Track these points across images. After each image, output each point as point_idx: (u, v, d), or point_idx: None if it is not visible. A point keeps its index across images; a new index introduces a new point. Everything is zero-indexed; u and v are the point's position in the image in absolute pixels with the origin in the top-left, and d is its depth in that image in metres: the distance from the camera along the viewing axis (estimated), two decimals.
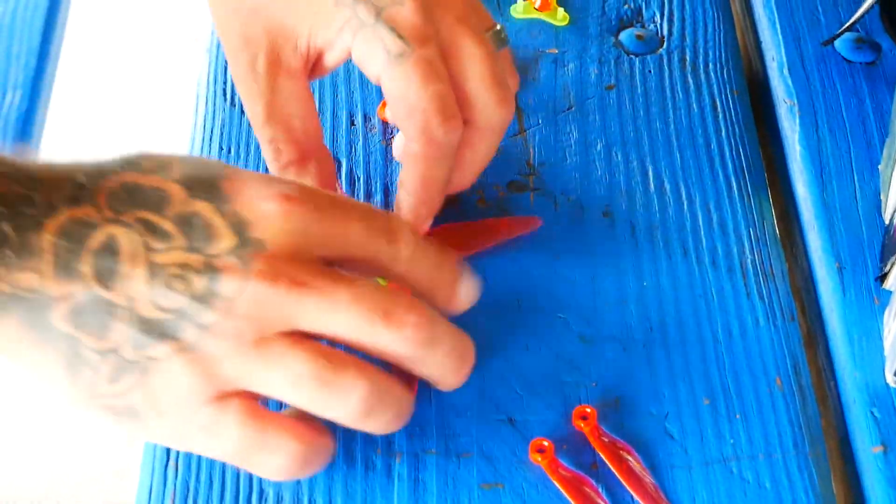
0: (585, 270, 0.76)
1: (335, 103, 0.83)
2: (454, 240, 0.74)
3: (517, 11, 0.89)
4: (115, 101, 1.87)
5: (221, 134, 0.81)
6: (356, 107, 0.83)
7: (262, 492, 0.67)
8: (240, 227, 0.59)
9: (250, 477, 0.67)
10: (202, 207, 0.59)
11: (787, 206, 0.83)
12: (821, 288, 0.77)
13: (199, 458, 0.68)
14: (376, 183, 0.79)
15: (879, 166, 0.80)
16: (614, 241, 0.78)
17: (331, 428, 0.64)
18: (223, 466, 0.67)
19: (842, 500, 0.72)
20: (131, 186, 0.59)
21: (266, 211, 0.59)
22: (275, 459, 0.61)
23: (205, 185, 0.59)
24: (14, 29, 0.96)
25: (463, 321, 0.72)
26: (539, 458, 0.68)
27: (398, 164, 0.80)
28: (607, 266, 0.76)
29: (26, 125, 0.92)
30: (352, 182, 0.79)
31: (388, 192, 0.79)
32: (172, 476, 0.67)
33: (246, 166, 0.80)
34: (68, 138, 1.74)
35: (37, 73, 0.95)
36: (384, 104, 0.82)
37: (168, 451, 0.68)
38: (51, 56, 0.98)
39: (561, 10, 0.89)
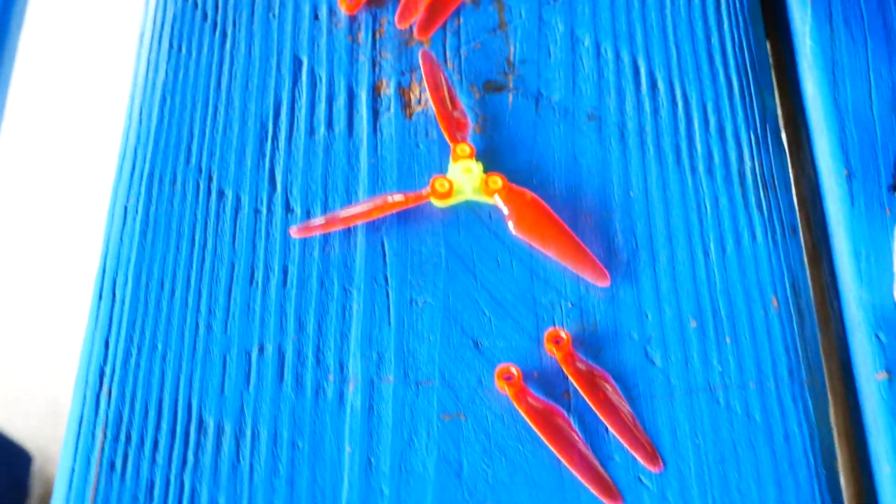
0: (567, 179, 0.69)
1: None
2: (532, 214, 0.67)
3: None
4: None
5: (172, 30, 0.74)
6: None
7: (201, 421, 0.61)
8: None
9: (188, 404, 0.61)
10: None
11: (794, 109, 0.75)
12: (827, 198, 0.69)
13: (135, 385, 0.62)
14: (339, 84, 0.72)
15: None
16: (600, 147, 0.70)
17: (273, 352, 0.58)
18: (160, 391, 0.62)
19: (840, 430, 0.65)
20: None
21: None
22: None
23: None
24: None
25: (426, 232, 0.66)
26: (506, 387, 0.62)
27: (363, 63, 0.73)
28: (592, 175, 0.69)
29: None
30: (313, 83, 0.72)
31: (351, 94, 0.72)
32: (105, 404, 0.62)
33: (198, 66, 0.73)
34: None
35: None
36: None
37: (101, 376, 0.62)
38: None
39: None
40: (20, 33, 0.86)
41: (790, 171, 0.71)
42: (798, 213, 0.71)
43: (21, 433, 1.38)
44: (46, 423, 1.43)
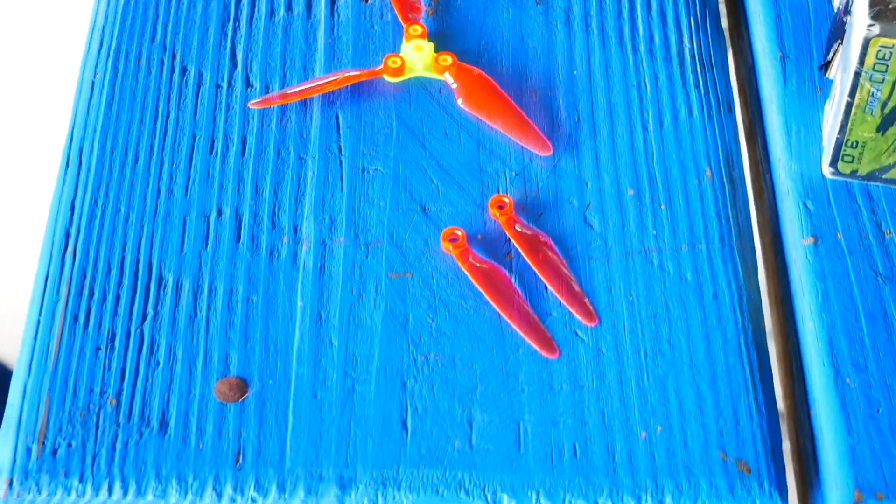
0: (515, 59, 0.72)
1: None
2: (480, 90, 0.70)
3: None
4: None
5: None
6: None
7: (161, 278, 0.64)
8: None
9: (149, 262, 0.65)
10: None
11: (736, 0, 0.79)
12: (762, 78, 0.73)
13: (98, 245, 0.65)
14: None
15: None
16: (547, 30, 0.74)
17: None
18: (122, 251, 0.65)
19: (771, 295, 0.69)
20: None
21: None
22: None
23: None
24: None
25: (378, 106, 0.69)
26: (451, 247, 0.65)
27: None
28: (538, 55, 0.73)
29: None
30: None
31: None
32: (70, 262, 0.65)
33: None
34: None
35: None
36: None
37: (66, 237, 0.66)
38: None
39: None
40: None
41: (729, 55, 0.75)
42: (737, 94, 0.74)
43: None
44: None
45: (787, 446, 0.64)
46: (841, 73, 0.67)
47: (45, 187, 0.71)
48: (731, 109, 0.71)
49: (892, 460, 0.59)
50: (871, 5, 0.62)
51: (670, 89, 0.71)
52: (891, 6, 0.62)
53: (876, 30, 0.62)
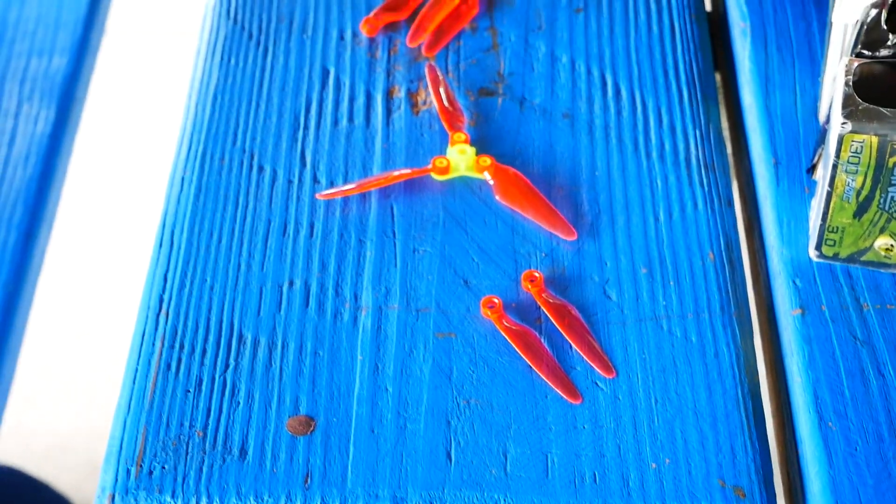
0: (545, 162, 0.84)
1: (327, 20, 0.92)
2: (514, 186, 0.82)
3: None
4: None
5: (223, 47, 0.91)
6: (346, 24, 0.92)
7: (241, 335, 0.76)
8: None
9: (231, 323, 0.76)
10: None
11: (736, 117, 0.91)
12: (758, 181, 0.84)
13: (188, 308, 0.77)
14: (359, 88, 0.88)
15: (819, 78, 0.88)
16: (572, 139, 0.86)
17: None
18: (208, 316, 0.76)
19: (767, 357, 0.79)
20: None
21: None
22: None
23: None
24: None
25: (427, 198, 0.81)
26: (489, 313, 0.76)
27: (380, 73, 0.89)
28: (564, 159, 0.85)
29: (70, 88, 1.01)
30: (338, 87, 0.88)
31: (369, 96, 0.88)
32: (163, 322, 0.76)
33: (244, 73, 0.89)
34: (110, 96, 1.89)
35: (83, 38, 1.04)
36: (366, 20, 0.91)
37: (160, 302, 0.77)
38: (97, 23, 1.07)
39: None
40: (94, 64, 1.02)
41: (731, 161, 0.87)
42: (737, 194, 0.86)
43: (65, 486, 1.52)
44: (87, 478, 1.58)
45: (779, 480, 0.73)
46: (823, 168, 0.78)
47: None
48: (730, 204, 0.83)
49: (867, 489, 0.69)
50: (844, 106, 0.74)
51: (678, 188, 0.83)
52: (860, 108, 0.74)
53: (849, 127, 0.74)
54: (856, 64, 0.77)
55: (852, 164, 0.75)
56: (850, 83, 0.75)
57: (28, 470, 1.50)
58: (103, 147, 1.82)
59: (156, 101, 1.89)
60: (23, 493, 1.50)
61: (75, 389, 1.62)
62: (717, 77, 0.97)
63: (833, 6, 0.82)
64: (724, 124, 0.90)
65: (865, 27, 0.78)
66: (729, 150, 0.89)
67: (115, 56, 1.81)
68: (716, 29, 0.98)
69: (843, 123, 0.74)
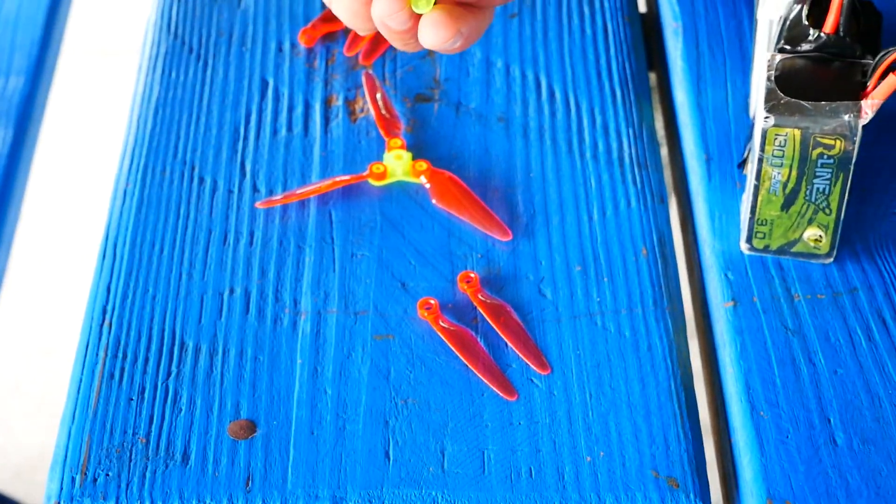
0: (481, 165, 0.86)
1: (266, 33, 0.94)
2: (450, 189, 0.83)
3: None
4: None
5: (164, 61, 0.92)
6: (284, 36, 0.94)
7: (183, 343, 0.77)
8: None
9: (173, 331, 0.77)
10: None
11: (670, 115, 0.92)
12: (690, 176, 0.86)
13: (130, 318, 0.78)
14: (298, 98, 0.90)
15: (750, 74, 0.90)
16: (507, 142, 0.87)
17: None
18: (150, 325, 0.77)
19: (702, 349, 0.81)
20: None
21: None
22: None
23: None
24: (19, 20, 1.07)
25: (365, 204, 0.82)
26: (426, 314, 0.78)
27: (318, 83, 0.90)
28: (500, 161, 0.86)
29: (27, 108, 1.02)
30: (277, 98, 0.90)
31: (308, 105, 0.89)
32: (106, 332, 0.77)
33: (184, 86, 0.91)
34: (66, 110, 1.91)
35: (39, 59, 1.05)
36: (303, 31, 0.93)
37: (103, 312, 0.78)
38: (52, 45, 1.09)
39: None
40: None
41: (666, 159, 0.88)
42: (672, 190, 0.87)
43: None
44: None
45: (715, 469, 0.75)
46: (751, 164, 0.80)
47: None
48: (663, 200, 0.84)
49: (798, 476, 0.70)
50: (767, 101, 0.76)
51: (612, 186, 0.85)
52: (782, 102, 0.75)
53: (771, 121, 0.75)
54: (778, 59, 0.78)
55: (777, 157, 0.77)
56: (772, 78, 0.77)
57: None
58: (56, 162, 1.83)
59: (102, 118, 1.91)
60: None
61: (45, 407, 1.63)
62: (652, 76, 0.98)
63: (758, 3, 0.84)
64: (660, 123, 0.92)
65: (788, 23, 0.80)
66: (665, 148, 0.90)
67: (64, 74, 1.85)
68: (650, 29, 1.00)
69: (766, 118, 0.75)
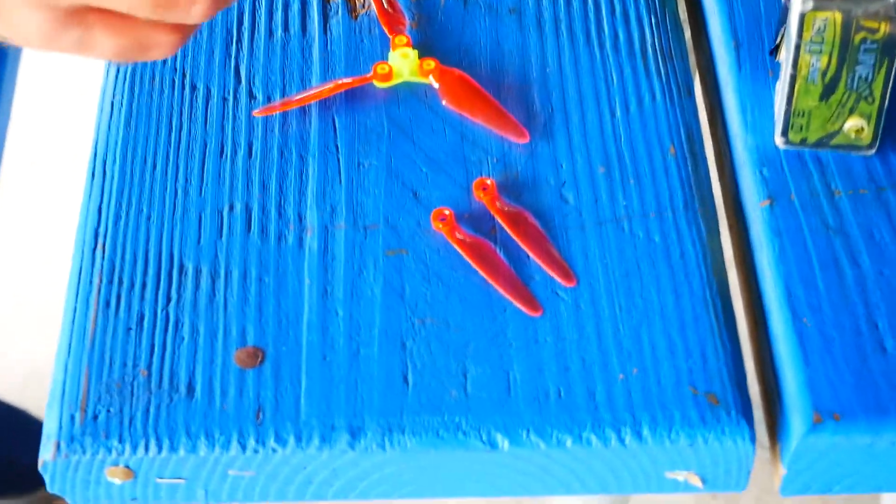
0: (492, 61, 0.80)
1: None
2: (461, 89, 0.78)
3: None
4: None
5: None
6: None
7: (182, 266, 0.72)
8: None
9: (171, 253, 0.72)
10: None
11: None
12: (719, 65, 0.80)
13: (125, 241, 0.73)
14: None
15: None
16: (520, 35, 0.81)
17: None
18: (146, 247, 0.72)
19: (736, 253, 0.76)
20: None
21: None
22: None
23: None
24: None
25: (370, 108, 0.77)
26: (440, 226, 0.72)
27: None
28: (513, 56, 0.80)
29: None
30: None
31: (304, 2, 0.83)
32: (99, 257, 0.72)
33: None
34: None
35: None
36: None
37: (95, 236, 0.73)
38: None
39: None
40: None
41: (689, 47, 0.82)
42: (698, 81, 0.81)
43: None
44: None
45: (754, 384, 0.70)
46: (785, 50, 0.74)
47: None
48: (690, 93, 0.78)
49: (846, 386, 0.66)
50: None
51: (635, 79, 0.79)
52: None
53: (810, 4, 0.69)
54: None
55: (816, 43, 0.71)
56: None
57: (6, 399, 1.48)
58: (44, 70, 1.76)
59: None
60: (1, 422, 1.48)
61: (48, 319, 1.59)
62: None
63: None
64: (682, 6, 0.86)
65: None
66: (687, 34, 0.84)
67: None
68: None
69: (805, 1, 0.69)
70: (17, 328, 1.67)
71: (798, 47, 0.71)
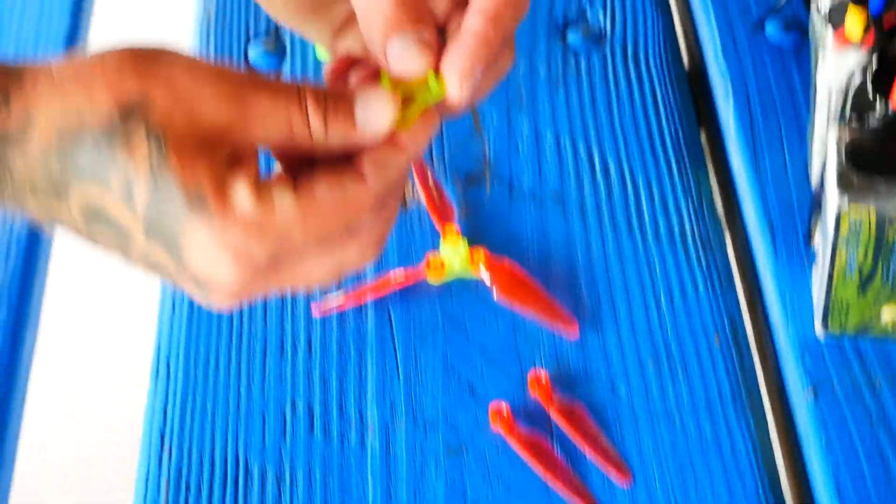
0: (539, 250, 0.83)
1: None
2: (512, 282, 0.81)
3: None
4: None
5: None
6: None
7: (247, 469, 0.74)
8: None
9: (236, 456, 0.74)
10: None
11: (725, 180, 0.89)
12: (756, 252, 0.83)
13: (191, 443, 0.75)
14: None
15: (807, 138, 0.86)
16: (565, 223, 0.84)
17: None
18: (212, 449, 0.74)
19: (781, 441, 0.78)
20: None
21: None
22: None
23: None
24: None
25: (425, 302, 0.79)
26: (499, 424, 0.75)
27: None
28: (559, 245, 0.83)
29: None
30: None
31: None
32: (166, 461, 0.74)
33: None
34: None
35: None
36: None
37: (161, 439, 0.75)
38: None
39: None
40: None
41: (725, 232, 0.85)
42: (735, 267, 0.84)
43: None
44: None
45: None
46: (822, 242, 0.77)
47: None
48: (731, 282, 0.81)
49: None
50: (840, 183, 0.73)
51: (677, 269, 0.82)
52: (856, 183, 0.72)
53: (846, 204, 0.72)
54: (847, 135, 0.75)
55: (852, 239, 0.74)
56: (843, 155, 0.74)
57: None
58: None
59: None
60: None
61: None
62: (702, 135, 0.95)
63: (816, 67, 0.80)
64: (716, 190, 0.89)
65: (852, 91, 0.76)
66: (719, 210, 0.87)
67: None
68: (695, 84, 0.96)
69: (840, 201, 0.72)
70: None
71: (835, 243, 0.74)
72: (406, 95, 0.54)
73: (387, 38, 0.55)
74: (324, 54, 0.94)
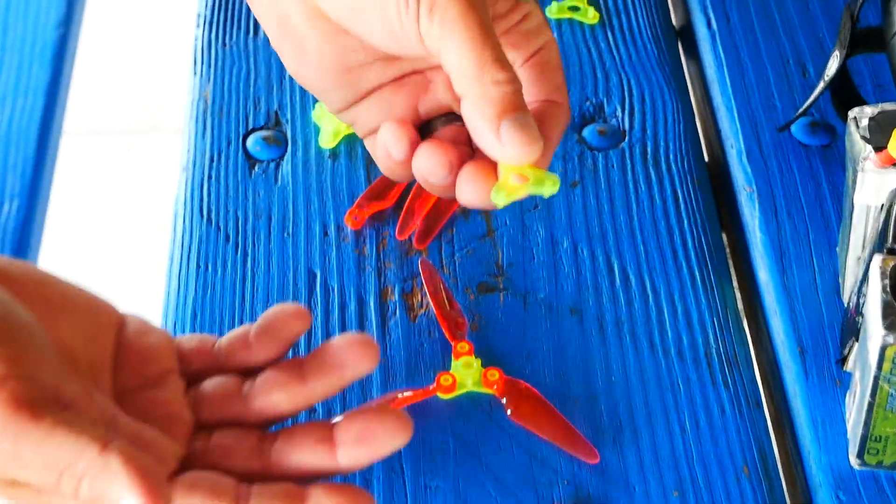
0: (556, 368, 0.78)
1: (308, 215, 0.86)
2: (528, 405, 0.76)
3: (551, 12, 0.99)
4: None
5: (199, 252, 0.84)
6: (329, 217, 0.86)
7: None
8: None
9: None
10: None
11: (750, 292, 0.85)
12: (784, 372, 0.79)
13: None
14: (350, 293, 0.82)
15: (837, 248, 0.83)
16: (583, 338, 0.80)
17: None
18: None
19: None
20: None
21: None
22: None
23: None
24: (10, 138, 0.98)
25: (434, 423, 0.75)
26: None
27: (370, 273, 0.83)
28: (577, 363, 0.79)
29: (24, 234, 0.94)
30: (326, 294, 0.82)
31: (361, 301, 0.81)
32: None
33: (223, 283, 0.82)
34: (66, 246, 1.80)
35: (33, 181, 0.97)
36: (350, 213, 0.85)
37: None
38: (46, 165, 1.00)
39: (591, 10, 0.99)
40: None
41: (751, 349, 0.81)
42: (761, 387, 0.80)
43: None
44: None
45: None
46: (860, 372, 0.73)
47: None
48: (759, 405, 0.77)
49: None
50: (885, 316, 0.69)
51: (702, 389, 0.77)
52: None
53: (891, 339, 0.68)
54: (891, 264, 0.71)
55: (895, 374, 0.70)
56: (888, 289, 0.70)
57: None
58: None
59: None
60: None
61: None
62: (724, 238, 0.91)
63: (852, 186, 0.76)
64: (742, 307, 0.85)
65: (894, 220, 0.73)
66: (748, 337, 0.83)
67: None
68: (716, 183, 0.92)
69: (885, 335, 0.68)
70: None
71: (877, 378, 0.70)
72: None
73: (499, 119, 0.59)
74: (328, 142, 0.90)
